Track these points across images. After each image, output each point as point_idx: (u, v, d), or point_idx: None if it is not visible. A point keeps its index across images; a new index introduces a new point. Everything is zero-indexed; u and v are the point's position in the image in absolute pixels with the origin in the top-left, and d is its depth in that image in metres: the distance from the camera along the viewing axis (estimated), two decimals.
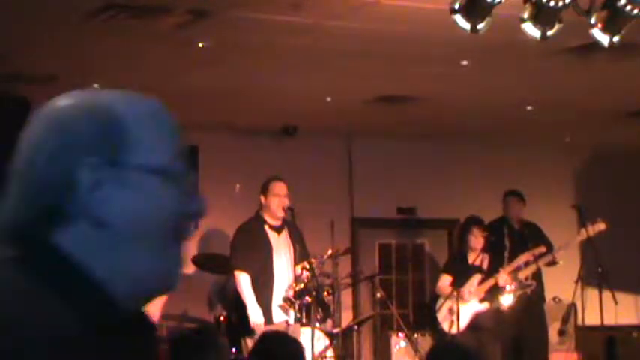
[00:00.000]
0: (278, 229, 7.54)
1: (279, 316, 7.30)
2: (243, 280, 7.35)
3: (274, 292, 7.36)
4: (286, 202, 7.47)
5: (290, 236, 7.55)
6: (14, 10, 5.75)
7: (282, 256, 7.47)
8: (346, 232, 10.55)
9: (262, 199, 7.53)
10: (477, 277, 8.49)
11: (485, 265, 8.57)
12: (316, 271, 7.36)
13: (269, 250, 7.45)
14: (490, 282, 8.47)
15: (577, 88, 8.12)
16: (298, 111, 9.14)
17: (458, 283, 8.46)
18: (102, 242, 1.28)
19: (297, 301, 7.23)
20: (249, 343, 7.27)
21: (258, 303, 7.33)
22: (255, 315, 7.25)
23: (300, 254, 7.47)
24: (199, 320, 9.36)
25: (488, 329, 8.42)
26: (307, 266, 7.29)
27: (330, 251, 7.72)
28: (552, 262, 8.79)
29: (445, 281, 8.67)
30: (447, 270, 8.87)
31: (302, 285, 7.24)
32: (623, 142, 10.75)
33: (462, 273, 8.53)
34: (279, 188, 7.49)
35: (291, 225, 7.57)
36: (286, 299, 7.27)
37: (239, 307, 7.45)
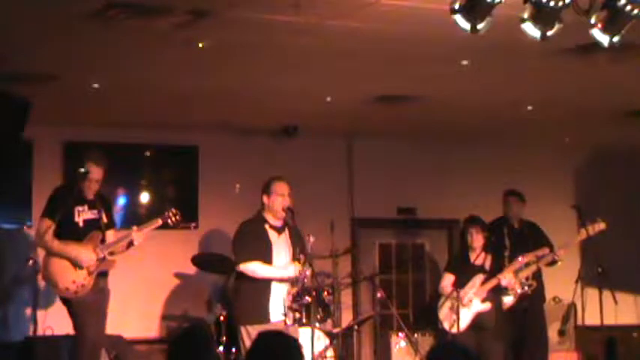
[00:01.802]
0: (279, 230, 7.53)
1: (276, 316, 7.28)
2: (257, 266, 7.32)
3: (272, 291, 7.33)
4: (288, 202, 7.46)
5: (290, 237, 7.54)
6: (14, 10, 5.75)
7: (282, 257, 7.46)
8: (346, 232, 10.55)
9: (265, 198, 7.51)
10: (479, 277, 8.49)
11: (487, 265, 8.57)
12: (312, 263, 7.33)
13: (269, 249, 7.43)
14: (493, 282, 8.47)
15: (577, 88, 8.11)
16: (298, 111, 9.13)
17: (460, 283, 8.46)
18: None
19: (297, 302, 7.22)
20: (245, 335, 7.26)
21: (255, 302, 7.30)
22: (288, 271, 7.28)
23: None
24: (197, 320, 9.37)
25: (490, 329, 8.42)
26: (301, 260, 7.27)
27: (311, 239, 7.47)
28: (552, 262, 8.79)
29: (448, 280, 8.67)
30: (449, 269, 8.87)
31: (302, 285, 7.24)
32: (623, 142, 10.75)
33: (464, 272, 8.54)
34: (281, 188, 7.48)
35: (292, 226, 7.56)
36: (291, 304, 7.25)
37: (240, 296, 7.43)
